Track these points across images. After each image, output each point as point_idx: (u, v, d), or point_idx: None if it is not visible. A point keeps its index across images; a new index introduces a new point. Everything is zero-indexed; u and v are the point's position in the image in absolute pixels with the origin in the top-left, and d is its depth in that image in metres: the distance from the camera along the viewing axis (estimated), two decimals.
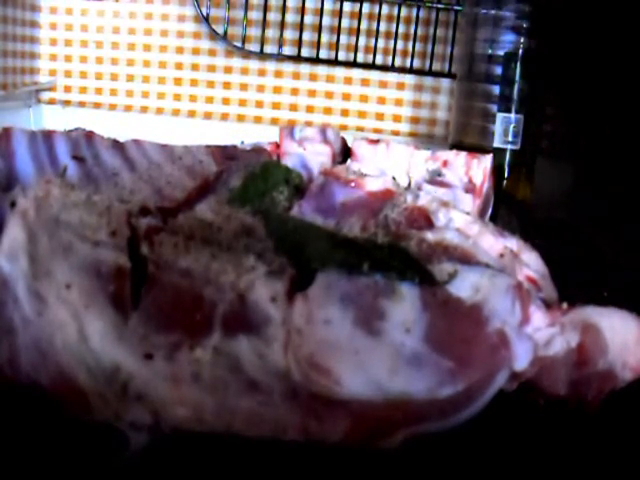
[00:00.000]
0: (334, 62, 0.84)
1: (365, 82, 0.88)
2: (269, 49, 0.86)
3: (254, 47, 0.86)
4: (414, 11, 0.83)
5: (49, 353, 0.23)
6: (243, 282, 0.25)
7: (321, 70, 0.89)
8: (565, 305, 0.29)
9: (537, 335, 0.28)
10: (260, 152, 0.49)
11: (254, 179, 0.43)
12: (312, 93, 0.89)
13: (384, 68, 0.84)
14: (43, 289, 0.23)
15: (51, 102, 0.92)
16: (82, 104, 0.93)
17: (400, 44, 0.84)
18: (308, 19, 0.86)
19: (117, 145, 0.44)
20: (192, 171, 0.43)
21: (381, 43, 0.85)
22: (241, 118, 0.91)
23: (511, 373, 0.26)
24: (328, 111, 0.90)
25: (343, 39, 0.84)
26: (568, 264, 0.41)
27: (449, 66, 0.84)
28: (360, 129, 0.89)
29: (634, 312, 0.29)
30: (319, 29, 0.83)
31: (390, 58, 0.84)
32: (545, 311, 0.29)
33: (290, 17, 0.86)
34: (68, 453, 0.22)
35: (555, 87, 0.83)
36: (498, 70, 0.68)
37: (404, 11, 0.84)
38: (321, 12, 0.83)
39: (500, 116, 0.68)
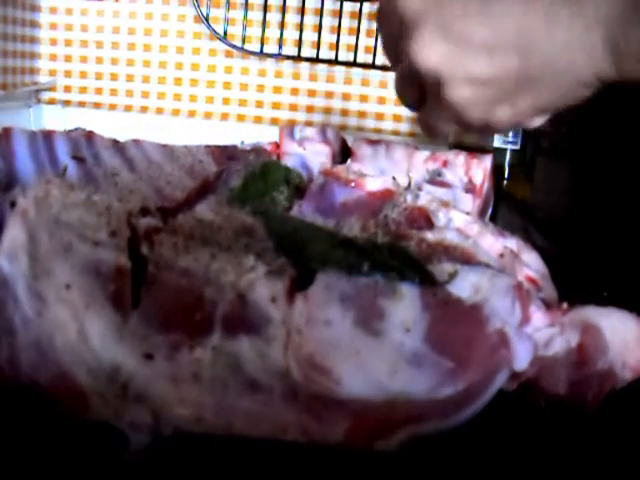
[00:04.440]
0: (334, 62, 0.84)
1: (365, 82, 0.88)
2: (269, 49, 0.86)
3: (254, 47, 0.85)
4: None
5: (49, 353, 0.23)
6: (243, 282, 0.25)
7: (321, 70, 0.89)
8: (565, 305, 0.29)
9: (537, 335, 0.28)
10: (260, 152, 0.49)
11: (254, 179, 0.43)
12: (312, 93, 0.89)
13: (384, 68, 0.84)
14: (43, 289, 0.23)
15: (51, 102, 0.92)
16: (82, 104, 0.93)
17: None
18: (308, 19, 0.86)
19: (117, 145, 0.44)
20: (192, 171, 0.43)
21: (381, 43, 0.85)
22: (241, 118, 0.91)
23: (511, 373, 0.26)
24: (328, 111, 0.90)
25: (343, 39, 0.84)
26: (568, 264, 0.41)
27: None
28: (360, 129, 0.89)
29: (634, 312, 0.29)
30: (319, 29, 0.83)
31: None
32: (545, 311, 0.29)
33: (290, 17, 0.86)
34: (68, 453, 0.22)
35: None
36: None
37: None
38: (321, 12, 0.83)
39: None
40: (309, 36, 0.86)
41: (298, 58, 0.84)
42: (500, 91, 0.36)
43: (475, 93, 0.35)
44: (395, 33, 0.37)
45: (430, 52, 0.35)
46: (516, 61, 0.34)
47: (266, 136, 0.62)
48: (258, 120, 0.91)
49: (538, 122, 0.38)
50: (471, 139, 0.71)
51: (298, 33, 0.83)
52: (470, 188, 0.48)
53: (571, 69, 0.34)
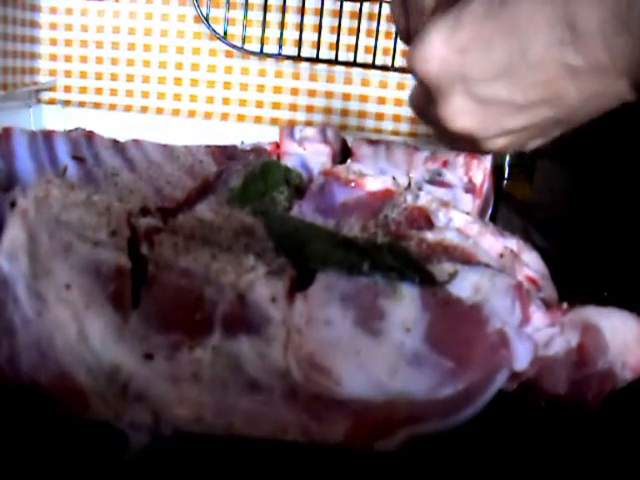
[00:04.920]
0: (334, 62, 0.84)
1: (365, 82, 0.88)
2: (269, 49, 0.86)
3: (254, 47, 0.85)
4: None
5: (49, 353, 0.23)
6: (243, 282, 0.25)
7: (321, 70, 0.89)
8: (565, 305, 0.29)
9: (537, 335, 0.28)
10: (260, 152, 0.49)
11: (254, 179, 0.43)
12: (312, 93, 0.89)
13: (384, 68, 0.84)
14: (43, 289, 0.23)
15: (51, 102, 0.92)
16: (82, 104, 0.93)
17: (400, 44, 0.84)
18: (308, 19, 0.86)
19: (117, 145, 0.44)
20: (192, 171, 0.43)
21: (381, 43, 0.85)
22: (241, 118, 0.91)
23: (511, 373, 0.26)
24: (328, 111, 0.90)
25: (343, 39, 0.84)
26: (568, 264, 0.41)
27: None
28: (360, 129, 0.89)
29: (634, 312, 0.29)
30: (319, 29, 0.83)
31: (390, 58, 0.84)
32: (545, 311, 0.29)
33: (290, 17, 0.86)
34: (68, 453, 0.22)
35: None
36: None
37: None
38: (321, 12, 0.83)
39: None
40: (309, 36, 0.86)
41: (298, 58, 0.84)
42: (533, 135, 0.37)
43: (509, 141, 0.37)
44: (423, 94, 0.37)
45: (462, 118, 0.35)
46: (547, 111, 0.34)
47: (266, 136, 0.62)
48: (258, 120, 0.91)
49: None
50: None
51: (298, 33, 0.83)
52: (470, 188, 0.48)
53: (601, 108, 0.34)
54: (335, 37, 0.83)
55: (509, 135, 0.36)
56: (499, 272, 0.30)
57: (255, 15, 0.86)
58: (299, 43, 0.83)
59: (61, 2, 0.90)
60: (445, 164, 0.50)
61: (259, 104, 0.90)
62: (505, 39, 0.32)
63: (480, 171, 0.49)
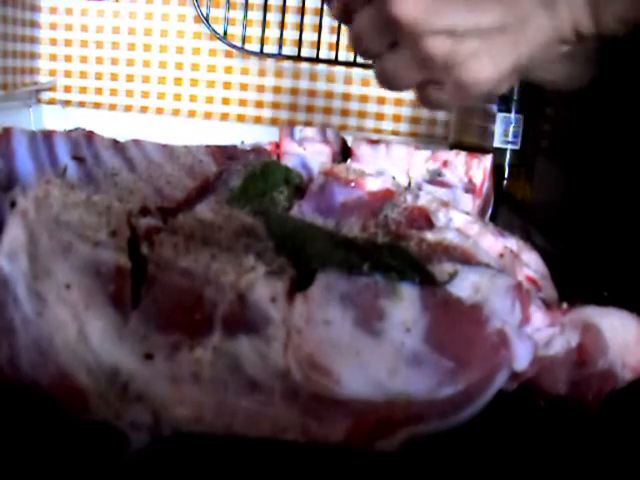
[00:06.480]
0: (334, 62, 0.84)
1: (365, 82, 0.88)
2: (269, 49, 0.86)
3: (254, 47, 0.85)
4: None
5: (49, 353, 0.23)
6: (243, 282, 0.25)
7: (321, 70, 0.89)
8: (565, 305, 0.29)
9: (537, 335, 0.28)
10: (260, 152, 0.49)
11: (254, 179, 0.43)
12: (312, 93, 0.89)
13: None
14: (43, 289, 0.23)
15: (51, 102, 0.92)
16: (82, 104, 0.93)
17: None
18: (308, 19, 0.86)
19: (117, 145, 0.44)
20: (192, 171, 0.44)
21: None
22: (241, 118, 0.91)
23: (511, 373, 0.26)
24: (328, 111, 0.90)
25: (343, 39, 0.84)
26: (568, 264, 0.41)
27: None
28: (360, 129, 0.89)
29: (634, 312, 0.29)
30: (319, 29, 0.83)
31: None
32: (545, 311, 0.29)
33: (290, 17, 0.86)
34: (68, 453, 0.22)
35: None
36: None
37: None
38: (321, 12, 0.83)
39: (500, 116, 0.68)
40: (309, 36, 0.86)
41: (298, 58, 0.84)
42: (479, 44, 0.34)
43: (453, 46, 0.34)
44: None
45: (408, 3, 0.33)
46: (497, 13, 0.33)
47: (266, 136, 0.62)
48: (258, 120, 0.91)
49: (508, 84, 0.37)
50: (471, 139, 0.71)
51: (298, 33, 0.83)
52: (470, 188, 0.48)
53: (552, 22, 0.34)
54: (335, 37, 0.83)
55: (453, 37, 0.34)
56: (499, 272, 0.30)
57: (255, 15, 0.86)
58: (299, 43, 0.83)
59: (61, 2, 0.90)
60: (445, 164, 0.50)
61: (259, 104, 0.90)
62: None
63: (480, 171, 0.49)
